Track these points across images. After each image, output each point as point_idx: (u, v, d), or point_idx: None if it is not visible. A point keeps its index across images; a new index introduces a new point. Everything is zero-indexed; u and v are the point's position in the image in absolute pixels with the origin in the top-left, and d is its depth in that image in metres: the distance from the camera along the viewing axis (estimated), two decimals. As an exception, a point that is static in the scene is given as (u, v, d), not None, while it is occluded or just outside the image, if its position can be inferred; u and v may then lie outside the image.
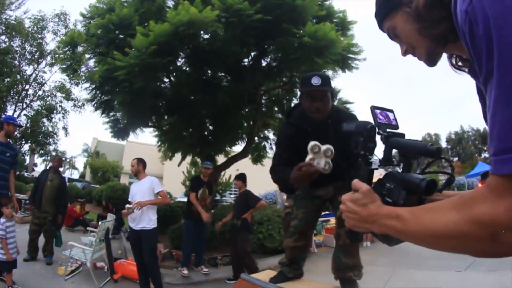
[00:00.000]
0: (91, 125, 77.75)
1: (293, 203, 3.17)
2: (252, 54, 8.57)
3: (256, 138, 10.29)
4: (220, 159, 10.67)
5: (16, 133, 19.20)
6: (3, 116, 18.71)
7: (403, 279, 6.02)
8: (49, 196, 6.86)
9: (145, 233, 5.22)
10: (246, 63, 8.65)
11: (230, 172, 11.63)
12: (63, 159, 27.81)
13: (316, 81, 2.52)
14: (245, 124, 10.06)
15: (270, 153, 11.24)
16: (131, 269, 6.27)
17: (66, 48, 8.61)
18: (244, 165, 9.86)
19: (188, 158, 11.76)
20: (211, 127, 9.97)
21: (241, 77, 8.29)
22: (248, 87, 8.61)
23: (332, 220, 10.13)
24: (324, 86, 2.54)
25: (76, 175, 37.47)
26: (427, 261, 6.70)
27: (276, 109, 9.95)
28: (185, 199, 13.66)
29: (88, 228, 9.34)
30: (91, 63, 8.49)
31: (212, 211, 7.81)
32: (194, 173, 14.59)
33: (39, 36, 20.24)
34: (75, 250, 6.22)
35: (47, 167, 8.16)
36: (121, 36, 7.45)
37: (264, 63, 8.73)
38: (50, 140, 21.99)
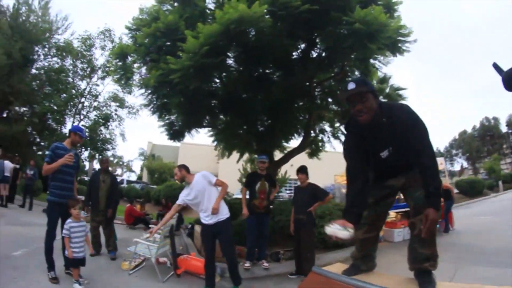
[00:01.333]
0: (145, 130, 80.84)
1: None
2: (302, 46, 8.46)
3: (312, 132, 10.12)
4: (277, 155, 10.56)
5: None
6: (62, 128, 21.86)
7: (467, 276, 5.67)
8: (104, 195, 7.36)
9: (222, 224, 5.34)
10: (296, 56, 8.54)
11: (285, 168, 11.53)
12: (121, 163, 29.30)
13: (350, 86, 2.67)
14: (301, 118, 9.91)
15: (327, 147, 11.07)
16: (194, 264, 6.44)
17: (117, 60, 9.00)
18: (298, 160, 9.71)
19: (245, 156, 11.89)
20: (266, 123, 9.86)
21: (292, 70, 8.16)
22: (300, 80, 8.48)
23: (392, 214, 9.83)
24: (359, 88, 2.64)
25: (133, 177, 39.43)
26: (491, 257, 6.46)
27: (330, 100, 9.75)
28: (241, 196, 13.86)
29: (150, 226, 9.67)
30: (143, 70, 8.87)
31: (271, 206, 7.66)
32: (250, 170, 14.79)
33: (88, 53, 22.09)
34: (139, 246, 6.52)
35: (97, 170, 8.61)
36: (168, 43, 7.69)
37: (314, 55, 8.56)
38: (108, 146, 23.46)
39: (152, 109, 9.12)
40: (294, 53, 8.48)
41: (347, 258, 4.61)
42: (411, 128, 2.64)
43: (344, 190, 16.98)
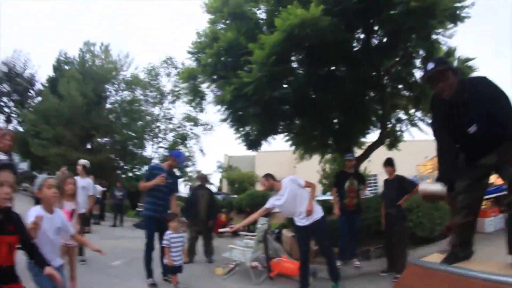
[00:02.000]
0: (221, 144, 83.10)
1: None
2: (362, 36, 8.38)
3: (388, 123, 9.85)
4: (357, 151, 10.28)
5: (158, 162, 22.77)
6: (143, 151, 24.60)
7: None
8: (204, 208, 8.16)
9: (317, 223, 5.46)
10: (358, 48, 8.44)
11: (363, 164, 11.26)
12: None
13: (430, 66, 2.75)
14: (374, 110, 9.73)
15: (405, 136, 10.58)
16: (287, 266, 6.59)
17: (186, 83, 9.66)
18: (376, 154, 9.48)
19: (315, 158, 11.74)
20: (340, 121, 9.75)
21: (357, 63, 8.11)
22: (367, 72, 8.39)
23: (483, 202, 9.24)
24: (438, 67, 2.71)
25: (213, 190, 40.13)
26: None
27: (400, 87, 9.44)
28: (323, 197, 13.70)
29: (240, 233, 10.24)
30: (214, 88, 9.26)
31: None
32: (329, 170, 14.75)
33: (155, 82, 24.14)
34: (234, 252, 6.90)
35: (195, 185, 9.26)
36: (230, 59, 8.07)
37: (376, 42, 8.38)
38: (189, 163, 25.24)
39: (230, 123, 9.50)
40: (355, 45, 8.42)
41: (439, 252, 4.51)
42: (494, 100, 2.63)
43: (428, 181, 16.35)
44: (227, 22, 8.73)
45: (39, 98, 26.85)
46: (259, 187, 29.09)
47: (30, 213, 2.95)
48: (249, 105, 7.73)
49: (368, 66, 8.24)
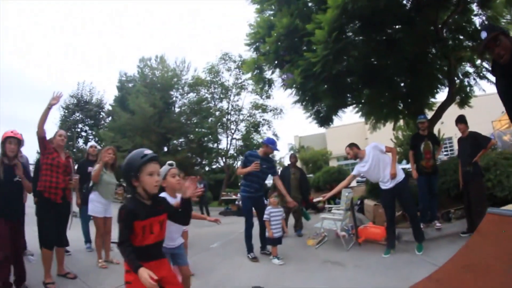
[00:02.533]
0: (290, 127, 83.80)
1: None
2: None
3: (456, 79, 9.36)
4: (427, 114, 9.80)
5: (234, 153, 23.89)
6: (218, 145, 26.13)
7: None
8: (295, 186, 8.63)
9: (400, 185, 5.85)
10: (410, 6, 8.24)
11: (436, 127, 10.65)
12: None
13: (483, 35, 2.84)
14: (441, 64, 9.29)
15: (477, 91, 9.94)
16: (373, 231, 7.01)
17: (254, 72, 9.98)
18: (448, 116, 8.97)
19: (385, 129, 11.69)
20: (407, 84, 9.60)
21: (412, 21, 7.98)
22: (424, 28, 8.20)
23: None
24: (490, 33, 2.75)
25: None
26: None
27: (461, 38, 8.99)
28: (400, 166, 13.59)
29: (327, 206, 10.89)
30: (277, 73, 9.66)
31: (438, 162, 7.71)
32: (402, 137, 14.57)
33: (217, 79, 24.86)
34: (326, 222, 7.37)
35: (286, 165, 9.90)
36: (290, 43, 8.28)
37: None
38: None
39: (302, 104, 9.75)
40: (406, 4, 8.28)
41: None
42: None
43: (506, 137, 15.44)
44: (274, 8, 8.96)
45: (110, 118, 30.47)
46: (332, 163, 29.17)
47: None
48: (319, 83, 7.87)
49: (423, 22, 8.10)
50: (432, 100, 10.23)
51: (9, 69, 79.61)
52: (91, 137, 33.75)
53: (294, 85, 8.59)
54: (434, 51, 9.01)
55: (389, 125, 11.49)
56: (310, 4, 8.51)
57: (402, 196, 5.94)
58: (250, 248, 6.35)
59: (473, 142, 6.31)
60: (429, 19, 8.13)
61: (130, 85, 27.72)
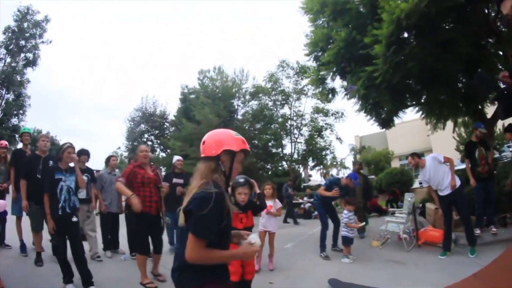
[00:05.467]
0: (351, 127, 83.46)
1: None
2: None
3: None
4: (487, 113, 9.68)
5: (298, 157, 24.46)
6: (282, 150, 26.94)
7: None
8: (359, 191, 9.18)
9: (456, 192, 6.34)
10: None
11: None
12: (335, 163, 31.66)
13: None
14: (498, 59, 8.91)
15: None
16: (432, 234, 7.47)
17: (320, 89, 10.80)
18: None
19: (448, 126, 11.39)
20: (465, 83, 9.41)
21: (464, 17, 7.82)
22: (477, 22, 7.96)
23: None
24: None
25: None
26: None
27: None
28: (463, 166, 13.48)
29: (390, 210, 11.42)
30: (338, 81, 10.28)
31: (494, 171, 7.70)
32: (465, 135, 14.23)
33: (277, 85, 25.65)
34: (390, 225, 8.06)
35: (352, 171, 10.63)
36: (350, 55, 8.70)
37: None
38: (327, 151, 26.91)
39: (366, 111, 10.16)
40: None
41: None
42: None
43: None
44: (325, 19, 9.50)
45: (173, 128, 32.90)
46: (394, 163, 28.86)
47: None
48: (381, 93, 8.21)
49: (475, 17, 7.91)
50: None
51: (81, 86, 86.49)
52: (156, 145, 36.21)
53: (356, 95, 9.08)
54: (488, 47, 8.88)
55: (450, 124, 11.29)
56: (363, 12, 8.82)
57: (457, 203, 6.39)
58: (323, 248, 7.27)
59: None
60: (480, 13, 8.01)
61: (192, 96, 29.20)
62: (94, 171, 7.59)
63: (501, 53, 8.73)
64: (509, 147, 12.68)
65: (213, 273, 1.98)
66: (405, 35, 8.22)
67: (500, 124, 11.04)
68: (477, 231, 6.90)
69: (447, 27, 8.33)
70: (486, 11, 8.11)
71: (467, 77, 9.00)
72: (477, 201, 7.18)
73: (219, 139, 2.14)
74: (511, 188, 6.93)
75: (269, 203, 6.09)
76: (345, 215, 6.96)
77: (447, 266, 5.84)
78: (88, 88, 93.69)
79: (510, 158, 10.63)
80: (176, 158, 8.16)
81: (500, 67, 8.62)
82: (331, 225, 7.59)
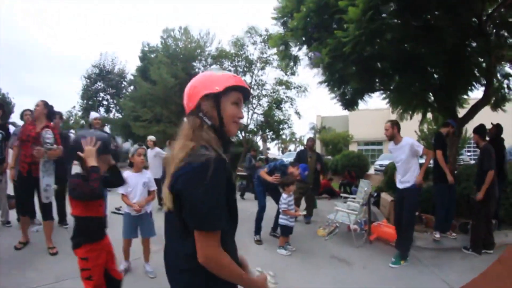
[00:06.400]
0: (314, 105, 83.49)
1: None
2: None
3: (494, 79, 8.65)
4: (461, 112, 9.38)
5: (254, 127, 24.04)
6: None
7: None
8: (312, 169, 8.44)
9: (408, 191, 5.51)
10: None
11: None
12: (294, 139, 31.61)
13: None
14: (480, 60, 8.58)
15: None
16: (386, 231, 6.67)
17: (277, 50, 9.64)
18: (482, 116, 8.33)
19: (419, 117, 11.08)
20: (441, 76, 9.00)
21: (455, 9, 7.39)
22: (467, 18, 7.67)
23: None
24: None
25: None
26: None
27: (506, 34, 8.26)
28: (422, 161, 13.22)
29: (342, 195, 10.57)
30: (303, 50, 9.13)
31: (456, 171, 7.31)
32: (426, 131, 14.20)
33: (242, 52, 24.43)
34: (339, 214, 7.12)
35: (302, 148, 9.93)
36: (320, 20, 7.76)
37: None
38: (284, 125, 25.94)
39: (329, 85, 9.35)
40: None
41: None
42: None
43: None
44: None
45: (132, 87, 31.59)
46: (352, 147, 28.86)
47: (124, 174, 3.88)
48: (347, 64, 7.54)
49: (467, 12, 7.51)
50: (466, 97, 9.57)
51: (34, 42, 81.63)
52: (112, 105, 35.26)
53: (321, 65, 8.17)
54: (474, 46, 8.41)
55: (415, 117, 10.82)
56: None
57: (405, 201, 5.55)
58: (258, 230, 6.53)
59: (481, 161, 5.85)
60: (474, 10, 7.54)
61: (153, 55, 27.92)
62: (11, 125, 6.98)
63: (481, 59, 8.43)
64: (467, 151, 12.74)
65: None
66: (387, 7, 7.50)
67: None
68: (437, 235, 6.34)
69: (436, 12, 7.76)
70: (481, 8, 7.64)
71: (445, 70, 8.50)
72: (441, 202, 6.50)
73: (193, 85, 1.59)
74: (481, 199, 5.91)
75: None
76: (284, 199, 6.05)
77: (402, 275, 5.03)
78: (46, 42, 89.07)
79: (467, 162, 10.56)
80: (93, 115, 7.38)
81: (477, 74, 8.62)
82: (274, 207, 6.73)
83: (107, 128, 31.88)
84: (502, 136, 6.92)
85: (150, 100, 23.54)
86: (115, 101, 34.02)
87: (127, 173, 4.50)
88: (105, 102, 35.42)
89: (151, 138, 10.09)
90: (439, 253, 5.82)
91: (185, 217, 1.37)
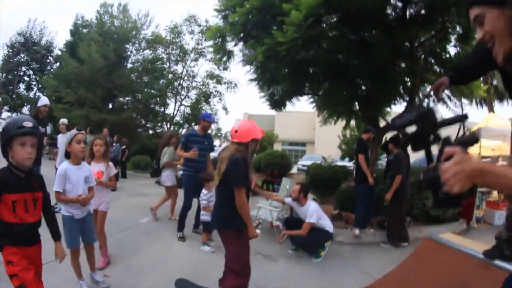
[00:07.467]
0: (243, 103, 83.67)
1: None
2: (399, 5, 8.09)
3: (416, 98, 9.53)
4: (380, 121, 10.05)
5: (180, 119, 23.48)
6: (165, 109, 25.20)
7: None
8: None
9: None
10: (394, 17, 8.26)
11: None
12: (219, 134, 31.39)
13: None
14: (406, 79, 9.28)
15: None
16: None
17: (213, 42, 9.56)
18: None
19: (342, 122, 11.67)
20: (368, 88, 9.53)
21: (391, 31, 7.91)
22: (401, 41, 8.20)
23: (495, 193, 8.93)
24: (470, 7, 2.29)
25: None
26: None
27: (433, 62, 9.17)
28: (342, 163, 13.66)
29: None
30: (239, 47, 9.19)
31: (374, 174, 7.73)
32: (349, 137, 14.84)
33: (178, 40, 24.00)
34: (262, 211, 7.20)
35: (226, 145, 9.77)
36: (262, 19, 7.85)
37: (413, 13, 8.20)
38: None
39: (259, 83, 9.46)
40: (392, 14, 8.27)
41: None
42: None
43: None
44: None
45: (58, 64, 28.14)
46: (276, 147, 29.43)
47: (59, 167, 3.57)
48: (280, 65, 7.66)
49: (402, 36, 8.10)
50: (388, 109, 10.32)
51: None
52: (34, 82, 31.72)
53: (254, 63, 8.30)
54: (403, 66, 9.08)
55: (339, 122, 11.40)
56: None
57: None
58: (181, 227, 6.22)
59: (392, 166, 6.62)
60: (408, 35, 8.14)
61: (85, 30, 25.42)
62: None
63: (408, 79, 9.09)
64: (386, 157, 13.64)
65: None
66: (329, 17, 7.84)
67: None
68: (356, 231, 6.79)
69: (373, 31, 8.29)
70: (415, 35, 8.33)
71: (373, 83, 9.02)
72: (362, 202, 7.03)
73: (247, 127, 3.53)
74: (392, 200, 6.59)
75: (98, 167, 4.51)
76: (204, 195, 5.93)
77: (324, 268, 5.25)
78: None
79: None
80: (43, 101, 6.86)
81: (402, 91, 9.26)
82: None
83: (25, 109, 29.02)
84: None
85: (75, 81, 21.53)
86: (37, 78, 30.10)
87: (65, 166, 3.61)
88: (26, 78, 31.83)
89: (64, 121, 8.78)
90: (360, 247, 6.19)
91: (230, 183, 3.27)
